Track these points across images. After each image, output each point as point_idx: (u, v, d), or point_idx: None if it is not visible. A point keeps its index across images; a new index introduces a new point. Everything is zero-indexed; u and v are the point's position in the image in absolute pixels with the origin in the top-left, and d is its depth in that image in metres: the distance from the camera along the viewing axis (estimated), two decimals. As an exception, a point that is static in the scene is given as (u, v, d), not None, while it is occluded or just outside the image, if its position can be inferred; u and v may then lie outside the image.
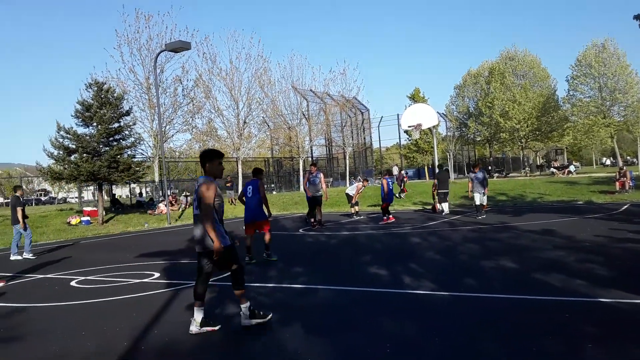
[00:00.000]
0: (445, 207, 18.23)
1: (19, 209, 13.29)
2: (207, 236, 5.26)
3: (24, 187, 46.36)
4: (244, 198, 10.11)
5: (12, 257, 13.12)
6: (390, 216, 16.60)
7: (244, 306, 5.48)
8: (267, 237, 10.11)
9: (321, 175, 16.53)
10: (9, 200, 15.14)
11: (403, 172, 37.02)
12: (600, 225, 12.30)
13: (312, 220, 16.52)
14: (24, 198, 14.46)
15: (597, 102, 47.41)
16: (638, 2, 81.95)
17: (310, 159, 42.69)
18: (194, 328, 5.39)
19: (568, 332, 4.73)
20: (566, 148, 56.11)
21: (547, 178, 34.33)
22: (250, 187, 10.03)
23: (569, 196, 22.00)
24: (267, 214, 9.93)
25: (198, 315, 5.43)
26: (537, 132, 49.16)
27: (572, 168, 42.07)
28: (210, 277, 5.61)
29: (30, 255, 13.29)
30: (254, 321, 5.47)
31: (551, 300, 5.81)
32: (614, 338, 4.48)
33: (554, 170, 41.42)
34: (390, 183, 16.74)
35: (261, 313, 5.57)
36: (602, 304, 5.55)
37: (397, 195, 27.37)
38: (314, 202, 16.48)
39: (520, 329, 4.94)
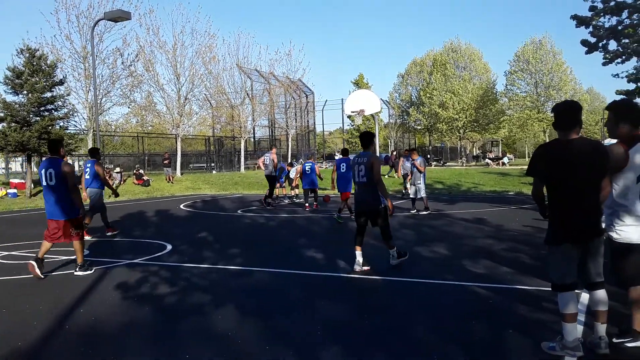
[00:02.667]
0: None
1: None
2: (377, 198, 6.76)
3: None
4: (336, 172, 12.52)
5: None
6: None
7: (392, 251, 7.03)
8: (347, 202, 12.43)
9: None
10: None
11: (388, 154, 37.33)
12: (528, 216, 12.84)
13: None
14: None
15: (533, 97, 49.42)
16: (574, 2, 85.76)
17: (252, 139, 42.29)
18: (357, 267, 6.87)
19: (492, 317, 4.93)
20: (502, 140, 58.21)
21: (482, 168, 35.52)
22: (344, 163, 12.31)
23: (501, 187, 22.90)
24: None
25: (360, 257, 6.93)
26: (475, 124, 50.71)
27: (505, 160, 43.75)
28: (364, 229, 7.11)
29: None
30: (401, 259, 7.03)
31: (478, 287, 6.03)
32: (533, 324, 4.71)
33: (489, 161, 42.91)
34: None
35: (403, 252, 7.13)
36: (525, 291, 5.81)
37: (386, 175, 27.70)
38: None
39: (449, 313, 5.11)
